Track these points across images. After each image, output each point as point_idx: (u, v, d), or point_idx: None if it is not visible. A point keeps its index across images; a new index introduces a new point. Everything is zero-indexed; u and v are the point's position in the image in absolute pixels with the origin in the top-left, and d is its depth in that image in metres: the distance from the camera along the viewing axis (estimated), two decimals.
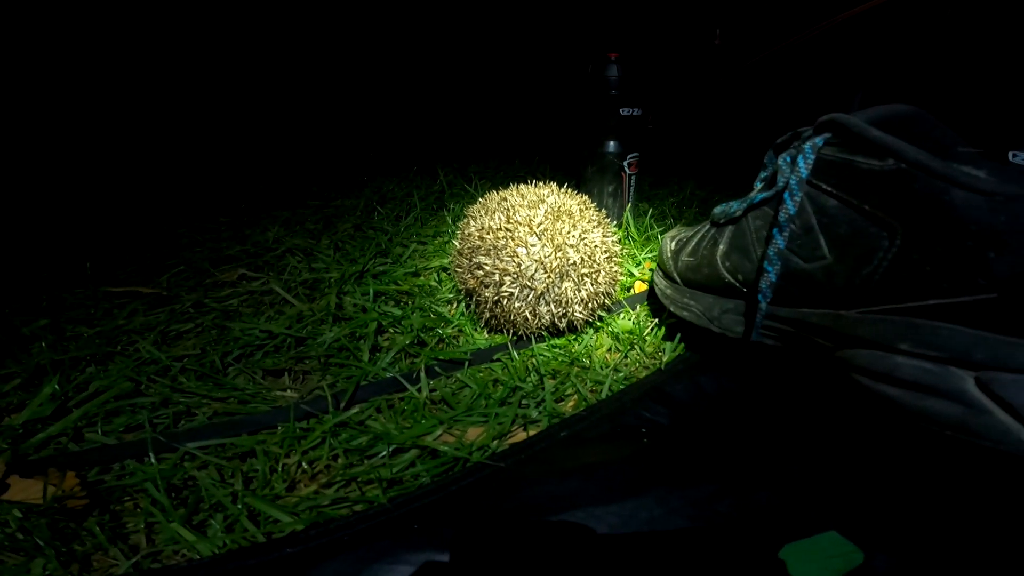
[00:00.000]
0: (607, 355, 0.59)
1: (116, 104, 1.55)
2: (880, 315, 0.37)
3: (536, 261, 0.56)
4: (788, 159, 0.44)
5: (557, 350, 0.59)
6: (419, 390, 0.53)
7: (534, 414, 0.50)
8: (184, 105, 1.64)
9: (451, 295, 0.67)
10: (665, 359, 0.57)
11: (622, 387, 0.54)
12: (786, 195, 0.43)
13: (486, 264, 0.57)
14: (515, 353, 0.57)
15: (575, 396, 0.54)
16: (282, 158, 1.38)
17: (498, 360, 0.57)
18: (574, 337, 0.61)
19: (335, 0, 1.79)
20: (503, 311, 0.58)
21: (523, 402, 0.52)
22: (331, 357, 0.57)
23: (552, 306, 0.57)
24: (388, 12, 1.84)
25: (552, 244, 0.56)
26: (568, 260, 0.56)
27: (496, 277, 0.57)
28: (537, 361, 0.56)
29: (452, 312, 0.65)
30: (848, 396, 0.46)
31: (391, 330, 0.62)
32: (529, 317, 0.57)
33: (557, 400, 0.53)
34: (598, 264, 0.58)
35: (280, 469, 0.44)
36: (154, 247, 0.86)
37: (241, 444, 0.46)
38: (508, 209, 0.60)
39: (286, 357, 0.57)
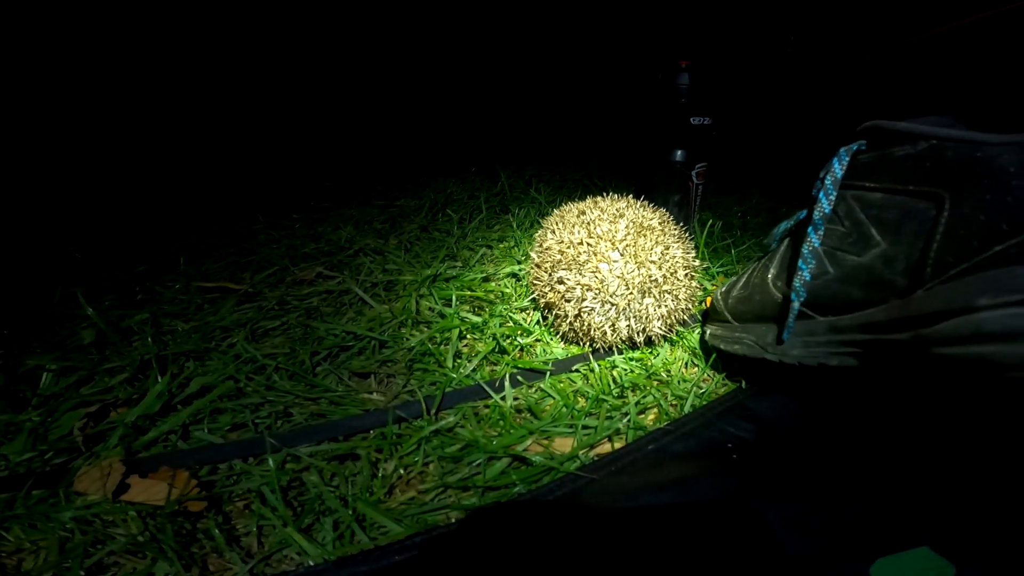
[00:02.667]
0: (684, 370, 0.58)
1: (195, 105, 1.58)
2: (950, 281, 0.36)
3: (619, 277, 0.55)
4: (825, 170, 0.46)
5: (634, 363, 0.58)
6: (503, 399, 0.52)
7: (619, 426, 0.50)
8: (256, 106, 1.67)
9: (526, 303, 0.66)
10: (746, 383, 0.56)
11: (703, 403, 0.53)
12: (820, 194, 0.44)
13: (567, 279, 0.56)
14: (596, 365, 0.56)
15: (655, 409, 0.53)
16: (346, 155, 1.39)
17: (577, 371, 0.57)
18: (650, 351, 0.60)
19: (401, 4, 1.79)
20: (582, 325, 0.57)
21: (608, 414, 0.51)
22: (415, 362, 0.57)
23: (632, 321, 0.56)
24: (447, 15, 1.83)
25: (635, 260, 0.55)
26: (650, 277, 0.55)
27: (577, 292, 0.56)
28: (618, 374, 0.56)
29: (528, 321, 0.64)
30: (938, 396, 0.45)
31: (470, 336, 0.62)
32: (608, 332, 0.56)
33: (639, 413, 0.52)
34: (679, 281, 0.57)
35: (379, 474, 0.44)
36: (236, 243, 0.87)
37: (338, 447, 0.46)
38: (588, 223, 0.58)
39: (371, 360, 0.57)
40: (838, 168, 0.44)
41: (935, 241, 0.37)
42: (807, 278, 0.46)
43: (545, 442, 0.49)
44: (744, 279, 0.56)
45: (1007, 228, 0.32)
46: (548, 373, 0.55)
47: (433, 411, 0.50)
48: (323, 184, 1.17)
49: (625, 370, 0.57)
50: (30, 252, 0.84)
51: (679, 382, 0.56)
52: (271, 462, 0.44)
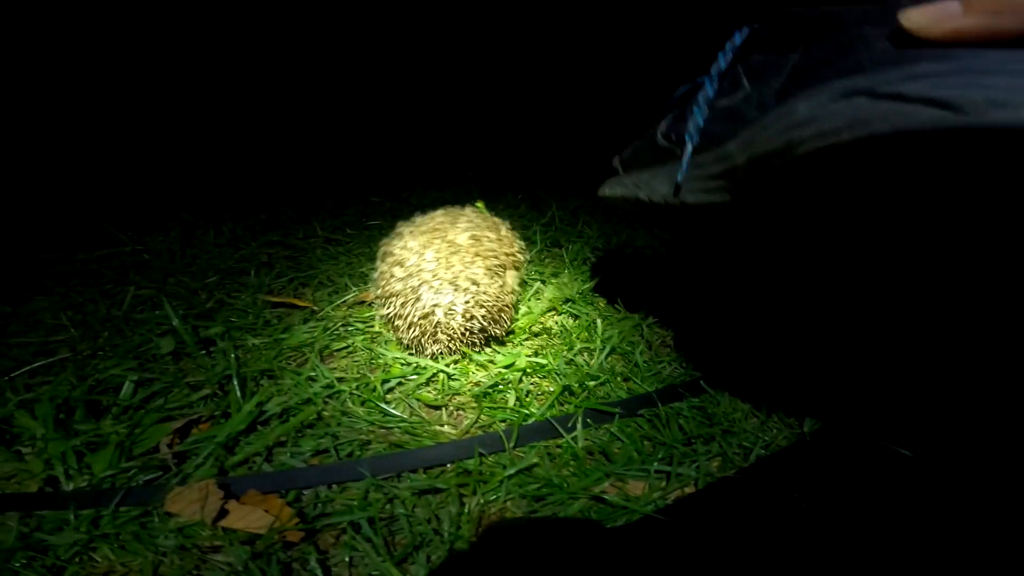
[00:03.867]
0: (745, 420, 0.58)
1: (248, 113, 1.60)
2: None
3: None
4: None
5: (696, 411, 0.58)
6: (575, 440, 0.52)
7: (690, 472, 0.50)
8: (311, 115, 1.68)
9: (586, 343, 0.66)
10: (807, 427, 0.56)
11: (767, 453, 0.53)
12: (720, 54, 0.48)
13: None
14: (663, 411, 0.56)
15: (719, 458, 0.52)
16: (392, 169, 1.40)
17: (642, 415, 0.57)
18: (710, 397, 0.60)
19: (456, 29, 1.81)
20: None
21: (679, 460, 0.51)
22: (484, 397, 0.57)
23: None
24: (488, 40, 1.85)
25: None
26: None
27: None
28: (684, 423, 0.56)
29: (593, 362, 0.64)
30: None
31: (536, 376, 0.62)
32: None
33: (707, 460, 0.52)
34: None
35: (466, 509, 0.44)
36: (294, 257, 0.87)
37: (420, 479, 0.46)
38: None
39: (441, 392, 0.57)
40: (738, 37, 0.48)
41: (783, 76, 0.40)
42: (700, 123, 0.49)
43: (619, 484, 0.48)
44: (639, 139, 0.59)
45: (834, 58, 0.35)
46: (616, 416, 0.55)
47: (511, 447, 0.50)
48: (370, 199, 1.18)
49: (688, 417, 0.57)
50: (93, 250, 0.84)
51: (742, 432, 0.56)
52: (364, 492, 0.44)
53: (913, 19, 0.29)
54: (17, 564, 0.37)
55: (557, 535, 0.43)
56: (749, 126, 0.42)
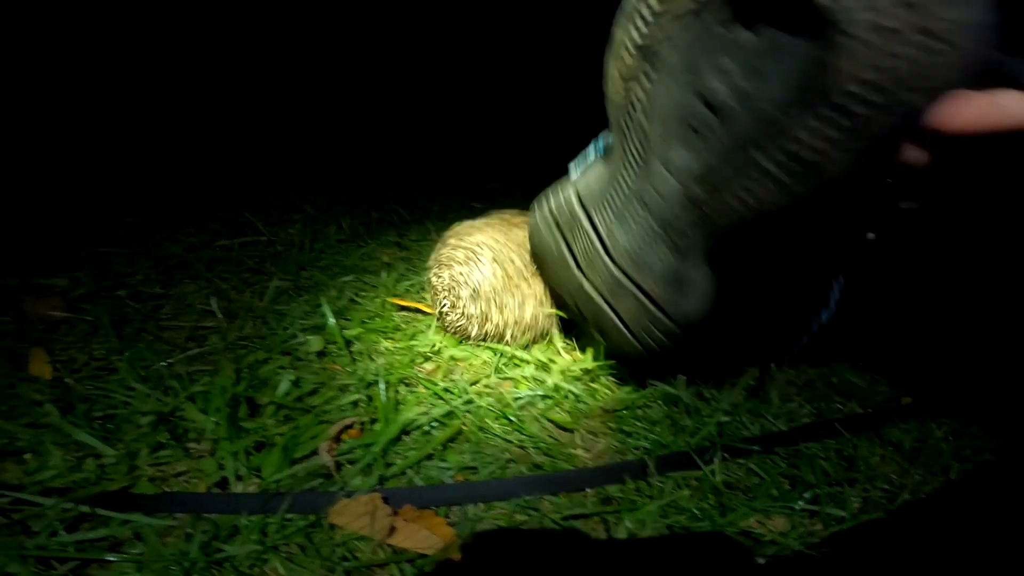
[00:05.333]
0: (884, 465, 0.54)
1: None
2: None
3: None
4: None
5: (832, 452, 0.54)
6: (713, 473, 0.50)
7: (838, 513, 0.47)
8: (418, 128, 1.72)
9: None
10: (953, 474, 0.52)
11: (913, 498, 0.49)
12: None
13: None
14: (802, 450, 0.53)
15: (862, 499, 0.49)
16: (490, 179, 1.40)
17: (777, 453, 0.53)
18: (846, 440, 0.56)
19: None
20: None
21: (827, 500, 0.48)
22: (617, 421, 0.55)
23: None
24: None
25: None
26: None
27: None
28: (824, 463, 0.52)
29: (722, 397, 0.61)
30: None
31: (667, 404, 0.59)
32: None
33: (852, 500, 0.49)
34: None
35: (616, 537, 0.42)
36: (411, 259, 0.88)
37: (561, 502, 0.45)
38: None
39: (575, 415, 0.56)
40: None
41: None
42: None
43: (763, 520, 0.46)
44: None
45: None
46: (754, 451, 0.53)
47: (651, 478, 0.48)
48: (471, 204, 1.17)
49: (826, 458, 0.53)
50: (233, 237, 0.87)
51: (883, 476, 0.52)
52: (510, 513, 0.43)
53: None
54: None
55: (708, 565, 0.41)
56: None
